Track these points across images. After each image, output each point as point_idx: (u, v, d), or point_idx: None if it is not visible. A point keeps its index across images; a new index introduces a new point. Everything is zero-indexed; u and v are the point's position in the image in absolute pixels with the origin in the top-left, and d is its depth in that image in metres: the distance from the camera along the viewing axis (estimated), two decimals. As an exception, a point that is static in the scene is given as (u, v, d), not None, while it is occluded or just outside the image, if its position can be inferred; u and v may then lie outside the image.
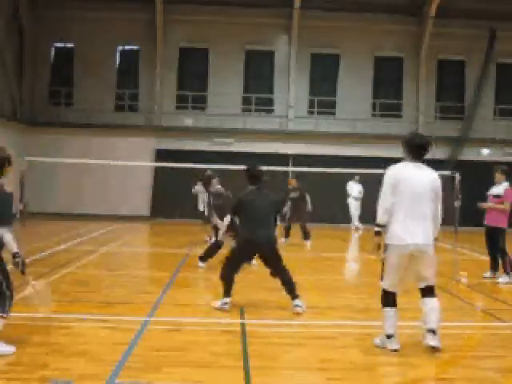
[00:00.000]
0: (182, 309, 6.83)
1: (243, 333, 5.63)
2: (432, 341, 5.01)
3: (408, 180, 5.07)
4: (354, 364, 4.78)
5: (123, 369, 4.43)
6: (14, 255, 5.05)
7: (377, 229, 5.25)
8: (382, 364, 4.77)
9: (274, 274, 6.88)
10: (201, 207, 15.20)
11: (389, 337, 5.11)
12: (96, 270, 9.61)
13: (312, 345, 5.36)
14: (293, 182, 14.10)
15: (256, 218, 6.70)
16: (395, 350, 5.03)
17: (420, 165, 5.16)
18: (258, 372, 4.47)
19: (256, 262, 8.94)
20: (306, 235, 13.43)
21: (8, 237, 4.98)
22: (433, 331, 5.03)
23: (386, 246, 5.20)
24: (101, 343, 5.10)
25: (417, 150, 5.14)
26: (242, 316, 6.35)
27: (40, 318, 5.93)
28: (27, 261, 9.58)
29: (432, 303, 5.23)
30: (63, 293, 7.31)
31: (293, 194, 13.78)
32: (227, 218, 7.19)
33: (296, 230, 13.83)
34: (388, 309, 5.24)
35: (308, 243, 13.35)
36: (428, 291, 5.34)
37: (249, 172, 6.85)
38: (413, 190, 5.05)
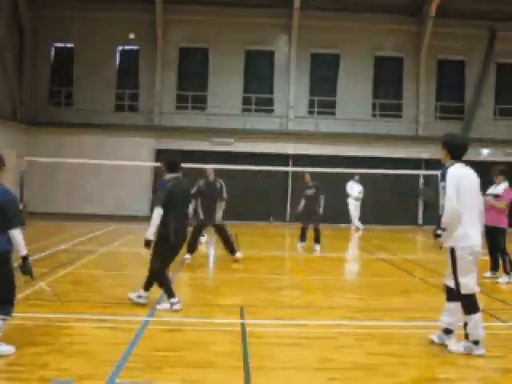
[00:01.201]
0: (182, 309, 6.83)
1: (243, 333, 5.63)
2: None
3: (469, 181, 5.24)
4: (354, 364, 4.78)
5: (123, 369, 4.43)
6: (24, 258, 4.95)
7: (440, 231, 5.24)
8: (382, 364, 4.77)
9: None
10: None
11: (478, 342, 5.07)
12: (96, 269, 9.61)
13: (312, 345, 5.36)
14: (308, 179, 13.04)
15: (182, 208, 6.64)
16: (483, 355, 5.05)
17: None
18: (257, 372, 4.47)
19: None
20: (317, 238, 12.82)
21: (19, 238, 4.84)
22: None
23: (452, 248, 5.16)
24: (101, 343, 5.11)
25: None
26: (242, 316, 6.35)
27: (40, 318, 5.93)
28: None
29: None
30: (63, 293, 7.30)
31: (308, 192, 12.89)
32: (158, 212, 6.31)
33: (297, 231, 13.83)
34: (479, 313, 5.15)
35: (318, 247, 12.81)
36: None
37: (169, 161, 6.69)
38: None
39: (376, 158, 20.56)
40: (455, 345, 5.19)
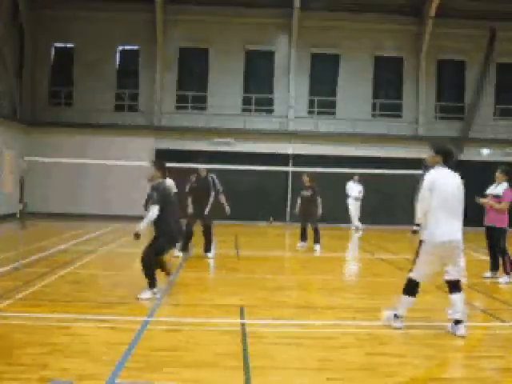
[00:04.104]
0: (182, 309, 6.83)
1: (243, 333, 5.63)
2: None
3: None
4: (354, 364, 4.78)
5: (123, 369, 4.43)
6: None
7: None
8: (382, 364, 4.77)
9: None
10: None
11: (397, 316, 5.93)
12: (96, 270, 9.62)
13: (312, 345, 5.36)
14: (305, 180, 13.02)
15: (176, 208, 7.48)
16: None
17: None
18: (258, 372, 4.47)
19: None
20: (317, 239, 12.82)
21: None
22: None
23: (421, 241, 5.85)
24: (101, 343, 5.11)
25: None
26: (242, 316, 6.35)
27: (40, 318, 5.93)
28: (27, 261, 9.59)
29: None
30: (63, 293, 7.31)
31: (304, 193, 12.97)
32: (155, 211, 7.05)
33: (296, 231, 13.83)
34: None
35: (318, 247, 12.80)
36: None
37: (159, 164, 7.73)
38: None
39: (376, 158, 20.54)
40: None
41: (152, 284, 7.19)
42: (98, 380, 4.17)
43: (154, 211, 7.04)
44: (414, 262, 5.97)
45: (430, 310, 6.97)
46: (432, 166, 5.93)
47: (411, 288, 5.84)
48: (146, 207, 7.65)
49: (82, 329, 5.59)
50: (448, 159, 5.92)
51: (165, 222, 7.15)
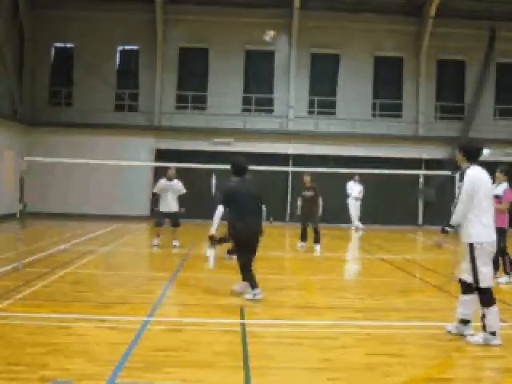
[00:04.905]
0: (182, 309, 6.83)
1: (243, 333, 5.63)
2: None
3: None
4: (354, 364, 4.78)
5: (123, 369, 4.43)
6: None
7: None
8: (382, 364, 4.77)
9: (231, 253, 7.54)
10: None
11: (495, 333, 5.40)
12: (96, 270, 9.61)
13: (312, 345, 5.36)
14: (306, 180, 12.87)
15: (246, 206, 7.23)
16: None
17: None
18: (257, 372, 4.47)
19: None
20: (317, 238, 12.79)
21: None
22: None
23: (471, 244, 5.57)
24: (101, 343, 5.11)
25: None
26: (242, 316, 6.35)
27: (40, 318, 5.93)
28: (27, 261, 9.59)
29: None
30: (63, 293, 7.31)
31: (305, 193, 12.87)
32: (219, 209, 7.16)
33: (296, 231, 13.82)
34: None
35: (318, 247, 12.75)
36: None
37: (234, 164, 7.63)
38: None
39: (376, 158, 20.55)
40: (474, 336, 5.48)
41: (252, 285, 7.22)
42: (98, 380, 4.17)
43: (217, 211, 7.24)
44: (474, 273, 5.48)
45: (429, 310, 6.97)
46: (463, 167, 5.72)
47: (490, 297, 5.46)
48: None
49: (82, 329, 5.59)
50: (472, 155, 5.70)
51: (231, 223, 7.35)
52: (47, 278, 8.21)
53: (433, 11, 21.13)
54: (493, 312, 5.38)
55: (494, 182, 9.29)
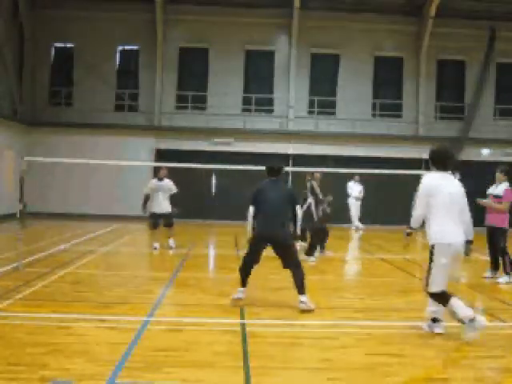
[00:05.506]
0: (182, 309, 6.83)
1: (243, 333, 5.63)
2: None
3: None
4: (354, 364, 4.78)
5: (123, 369, 4.43)
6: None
7: None
8: (382, 364, 4.77)
9: (285, 266, 6.99)
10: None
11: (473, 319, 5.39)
12: (96, 269, 9.62)
13: (312, 345, 5.36)
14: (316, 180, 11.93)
15: (269, 207, 6.87)
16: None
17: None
18: (257, 372, 4.47)
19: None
20: (309, 247, 11.53)
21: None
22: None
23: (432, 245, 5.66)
24: (101, 343, 5.11)
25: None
26: (242, 316, 6.35)
27: (40, 318, 5.93)
28: (27, 261, 9.58)
29: None
30: (63, 293, 7.31)
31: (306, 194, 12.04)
32: (249, 210, 6.94)
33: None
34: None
35: (318, 247, 11.81)
36: None
37: (269, 167, 7.34)
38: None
39: (376, 158, 20.55)
40: (467, 333, 5.44)
41: (240, 282, 7.04)
42: (98, 380, 4.17)
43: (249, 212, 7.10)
44: (427, 275, 5.65)
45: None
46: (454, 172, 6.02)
47: (443, 297, 5.56)
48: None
49: (82, 329, 5.59)
50: (438, 162, 5.81)
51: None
52: (47, 278, 8.22)
53: (433, 11, 21.13)
54: (455, 305, 5.42)
55: (494, 182, 9.34)
